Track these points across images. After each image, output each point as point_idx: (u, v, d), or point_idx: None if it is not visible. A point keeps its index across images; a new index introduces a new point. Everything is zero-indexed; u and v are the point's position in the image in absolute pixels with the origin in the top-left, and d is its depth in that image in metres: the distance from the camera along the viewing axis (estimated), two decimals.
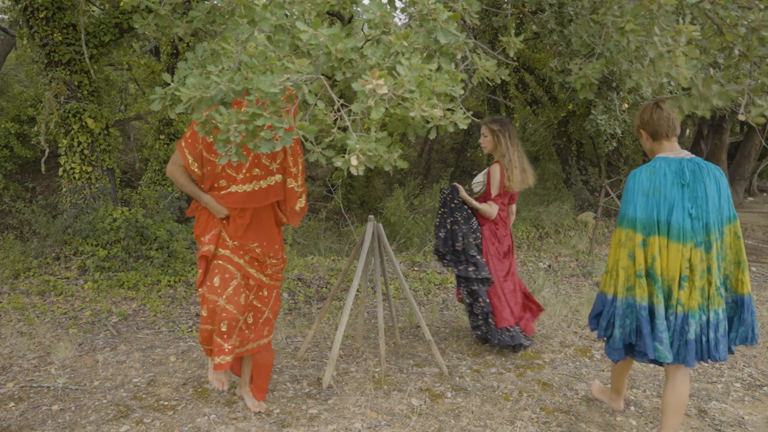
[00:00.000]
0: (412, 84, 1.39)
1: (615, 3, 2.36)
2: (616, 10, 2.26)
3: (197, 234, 3.18)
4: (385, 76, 1.39)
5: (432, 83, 1.43)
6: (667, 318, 2.71)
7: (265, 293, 3.20)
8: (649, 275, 2.74)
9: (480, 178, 4.31)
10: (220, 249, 3.06)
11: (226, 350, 3.00)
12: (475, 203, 4.16)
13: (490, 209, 4.16)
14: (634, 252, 2.77)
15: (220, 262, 3.04)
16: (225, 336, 2.99)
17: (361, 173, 1.39)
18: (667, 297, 2.73)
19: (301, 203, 3.17)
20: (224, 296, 2.98)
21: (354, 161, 1.39)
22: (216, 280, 2.99)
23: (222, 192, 3.05)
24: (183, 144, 3.03)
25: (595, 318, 2.99)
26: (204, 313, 3.00)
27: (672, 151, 2.84)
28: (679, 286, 2.70)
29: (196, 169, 3.04)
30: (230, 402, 3.39)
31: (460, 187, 4.18)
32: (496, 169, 4.17)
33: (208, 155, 3.02)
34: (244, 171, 3.03)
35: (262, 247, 3.11)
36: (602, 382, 3.75)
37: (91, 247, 5.97)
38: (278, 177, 3.10)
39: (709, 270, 2.70)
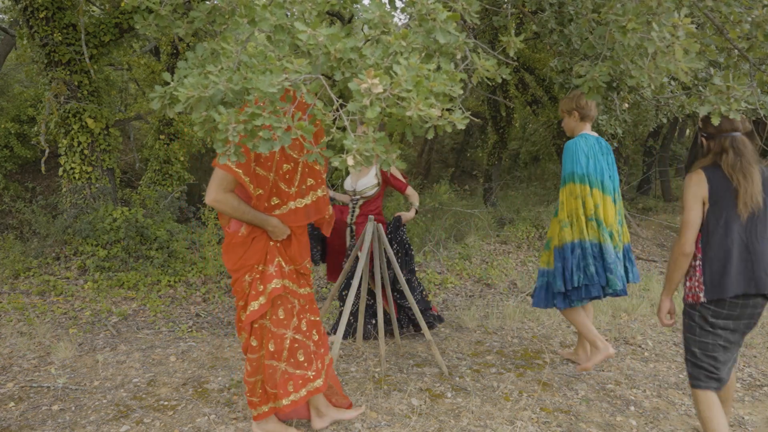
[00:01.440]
0: (409, 83, 1.39)
1: (618, 1, 2.36)
2: (619, 9, 2.27)
3: (246, 264, 2.75)
4: (381, 75, 1.39)
5: (430, 83, 1.43)
6: (615, 254, 3.54)
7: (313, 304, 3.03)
8: (596, 220, 3.55)
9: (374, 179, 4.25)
10: (284, 280, 2.80)
11: (311, 377, 2.86)
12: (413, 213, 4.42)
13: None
14: (584, 200, 3.56)
15: (281, 293, 2.78)
16: (306, 364, 2.85)
17: (358, 172, 1.39)
18: (611, 238, 3.56)
19: (329, 210, 2.93)
20: (291, 328, 2.81)
21: (350, 161, 1.39)
22: (281, 312, 2.79)
23: (279, 211, 2.72)
24: (241, 167, 2.59)
25: (545, 289, 3.75)
26: (271, 348, 2.79)
27: (589, 131, 3.71)
28: (617, 230, 3.62)
29: (252, 190, 2.65)
30: (230, 402, 3.39)
31: (404, 215, 4.35)
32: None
33: (261, 169, 2.66)
34: (296, 183, 2.74)
35: (308, 262, 2.93)
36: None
37: (91, 247, 5.97)
38: (323, 186, 2.87)
39: (622, 217, 3.71)
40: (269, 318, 2.79)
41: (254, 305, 2.75)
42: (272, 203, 2.71)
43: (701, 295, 2.70)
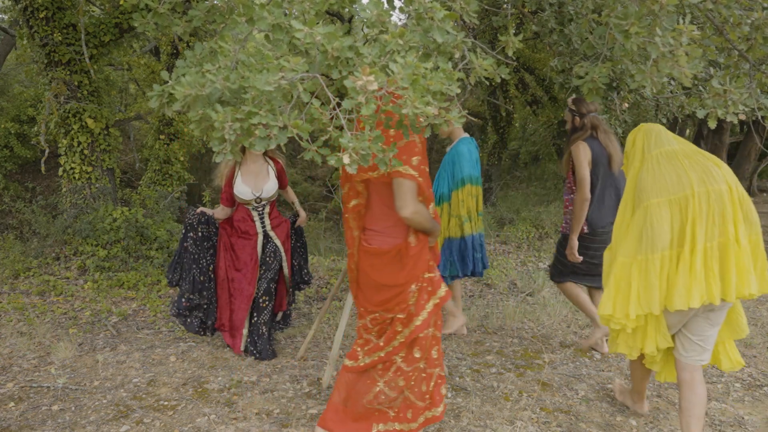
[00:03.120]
0: (405, 81, 1.39)
1: (619, 3, 2.36)
2: (620, 12, 2.26)
3: (416, 274, 2.68)
4: (376, 73, 1.39)
5: (427, 81, 1.43)
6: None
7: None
8: (479, 214, 4.30)
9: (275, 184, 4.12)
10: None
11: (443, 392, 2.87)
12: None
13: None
14: (477, 199, 4.26)
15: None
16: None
17: (355, 172, 1.39)
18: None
19: None
20: (441, 330, 2.85)
21: (346, 159, 1.38)
22: (437, 317, 2.78)
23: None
24: (414, 170, 2.51)
25: (462, 260, 4.31)
26: (434, 355, 2.77)
27: (464, 134, 4.32)
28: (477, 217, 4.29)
29: (427, 195, 2.65)
30: (230, 402, 3.39)
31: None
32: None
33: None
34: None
35: None
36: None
37: (91, 247, 5.97)
38: None
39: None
40: (434, 324, 2.74)
41: (424, 314, 2.68)
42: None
43: (585, 228, 3.92)
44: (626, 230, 2.80)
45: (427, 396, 2.80)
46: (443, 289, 2.77)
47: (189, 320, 4.15)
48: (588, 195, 3.78)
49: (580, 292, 4.15)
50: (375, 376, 2.77)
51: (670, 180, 2.68)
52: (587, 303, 4.12)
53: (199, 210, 4.12)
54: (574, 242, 3.90)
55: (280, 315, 4.43)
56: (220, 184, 4.05)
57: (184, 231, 4.10)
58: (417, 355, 2.73)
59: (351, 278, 2.86)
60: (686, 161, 2.70)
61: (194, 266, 4.07)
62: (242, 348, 4.08)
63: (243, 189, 3.93)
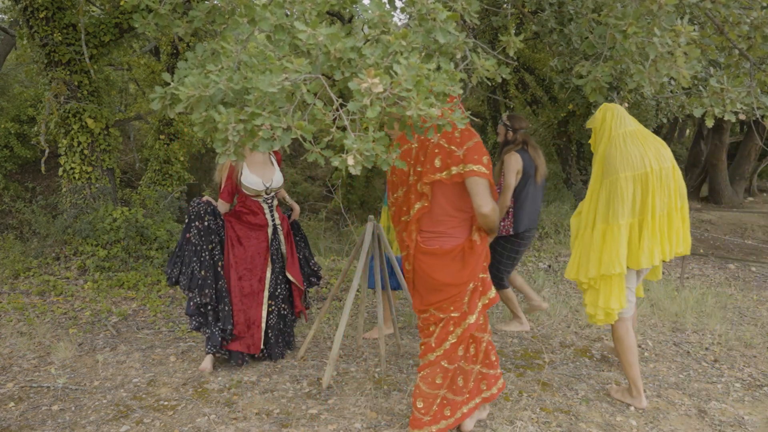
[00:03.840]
0: (408, 83, 1.39)
1: (618, 2, 2.36)
2: (618, 12, 2.27)
3: (477, 272, 2.78)
4: (381, 75, 1.39)
5: (430, 83, 1.43)
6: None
7: None
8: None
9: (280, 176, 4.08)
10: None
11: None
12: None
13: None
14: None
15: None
16: (496, 363, 3.06)
17: (359, 173, 1.39)
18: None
19: None
20: (487, 331, 2.98)
21: (351, 161, 1.38)
22: (481, 318, 2.90)
23: None
24: (485, 168, 2.63)
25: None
26: (471, 351, 2.91)
27: None
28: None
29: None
30: (230, 402, 3.39)
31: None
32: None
33: None
34: None
35: None
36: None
37: (91, 247, 5.96)
38: None
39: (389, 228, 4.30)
40: (481, 325, 2.87)
41: (476, 314, 2.78)
42: None
43: (511, 230, 4.28)
44: (596, 199, 3.25)
45: (465, 390, 2.91)
46: (493, 291, 2.87)
47: (208, 330, 3.82)
48: (509, 202, 4.21)
49: (523, 285, 4.66)
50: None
51: (634, 157, 3.13)
52: (516, 300, 4.61)
53: (204, 198, 3.87)
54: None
55: (301, 316, 4.31)
56: (219, 179, 3.91)
57: (187, 221, 3.82)
58: (460, 353, 2.82)
59: (407, 279, 2.94)
60: (644, 141, 3.17)
61: (194, 259, 3.76)
62: (262, 345, 3.90)
63: (254, 180, 3.79)
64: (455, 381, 2.87)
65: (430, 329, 2.83)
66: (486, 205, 2.61)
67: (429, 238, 2.76)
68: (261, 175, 3.84)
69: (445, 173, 2.65)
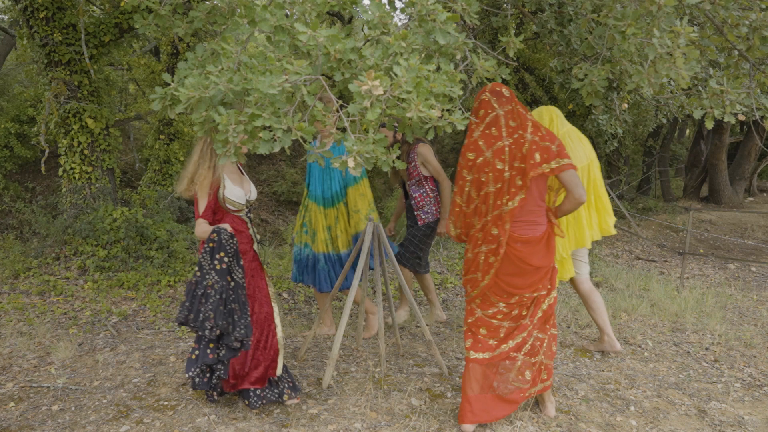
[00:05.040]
0: (409, 85, 1.39)
1: (617, 2, 2.36)
2: (618, 12, 2.27)
3: (554, 254, 3.19)
4: (381, 77, 1.39)
5: (430, 84, 1.43)
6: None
7: None
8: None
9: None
10: None
11: None
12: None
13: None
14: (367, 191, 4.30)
15: None
16: None
17: (359, 174, 1.39)
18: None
19: None
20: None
21: (351, 162, 1.38)
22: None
23: None
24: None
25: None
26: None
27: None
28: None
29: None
30: (230, 402, 3.39)
31: None
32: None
33: None
34: None
35: None
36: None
37: (91, 247, 5.96)
38: None
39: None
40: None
41: (555, 290, 3.20)
42: None
43: (431, 216, 4.57)
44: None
45: (551, 353, 3.24)
46: (556, 269, 3.26)
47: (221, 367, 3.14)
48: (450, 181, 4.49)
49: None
50: (514, 354, 3.12)
51: (579, 152, 3.72)
52: (434, 290, 4.89)
53: (231, 229, 3.20)
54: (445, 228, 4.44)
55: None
56: (193, 192, 3.24)
57: (208, 259, 3.09)
58: (548, 324, 3.20)
59: (484, 271, 3.09)
60: (580, 138, 3.80)
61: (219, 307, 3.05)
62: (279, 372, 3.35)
63: (237, 192, 3.26)
64: (551, 347, 3.21)
65: (513, 313, 3.13)
66: (583, 194, 3.01)
67: (522, 227, 3.04)
68: (241, 187, 3.32)
69: (545, 166, 2.94)
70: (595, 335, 4.58)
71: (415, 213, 4.62)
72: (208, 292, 3.05)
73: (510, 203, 2.97)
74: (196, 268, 3.11)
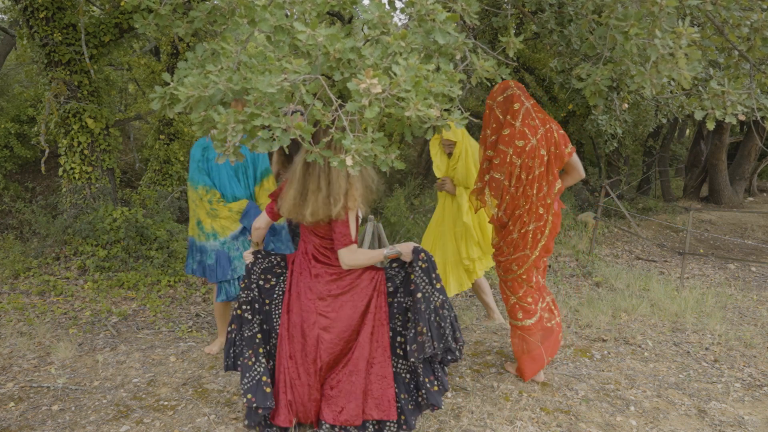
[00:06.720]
0: (407, 84, 1.39)
1: (619, 2, 2.36)
2: (620, 13, 2.27)
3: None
4: (379, 76, 1.39)
5: (429, 83, 1.43)
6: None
7: None
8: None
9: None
10: None
11: None
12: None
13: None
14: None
15: None
16: None
17: (357, 173, 1.39)
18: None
19: None
20: None
21: (349, 161, 1.38)
22: None
23: None
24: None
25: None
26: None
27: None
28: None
29: None
30: (230, 402, 3.39)
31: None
32: None
33: None
34: None
35: None
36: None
37: (91, 247, 5.97)
38: None
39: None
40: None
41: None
42: None
43: None
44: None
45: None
46: None
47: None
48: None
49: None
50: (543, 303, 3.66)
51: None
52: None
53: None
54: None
55: None
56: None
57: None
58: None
59: (533, 247, 3.49)
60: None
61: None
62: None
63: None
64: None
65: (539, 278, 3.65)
66: (584, 172, 3.52)
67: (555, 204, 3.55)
68: None
69: (568, 148, 3.43)
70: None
71: None
72: (441, 312, 2.74)
73: (557, 184, 3.43)
74: (419, 295, 2.68)
